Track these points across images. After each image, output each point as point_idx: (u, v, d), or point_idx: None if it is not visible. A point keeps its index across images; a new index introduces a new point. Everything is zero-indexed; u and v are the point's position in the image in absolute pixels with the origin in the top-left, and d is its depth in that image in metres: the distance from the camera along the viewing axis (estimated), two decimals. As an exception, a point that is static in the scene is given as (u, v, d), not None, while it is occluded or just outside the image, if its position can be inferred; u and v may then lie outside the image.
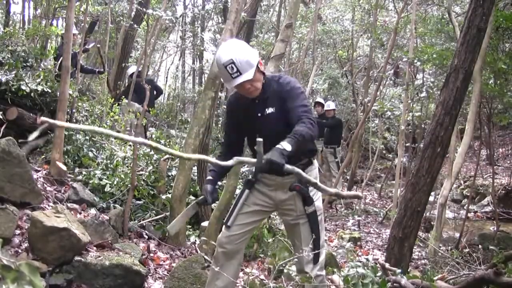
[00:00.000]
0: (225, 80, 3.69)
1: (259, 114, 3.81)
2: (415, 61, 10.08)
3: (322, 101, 13.49)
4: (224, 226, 4.14)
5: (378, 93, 13.26)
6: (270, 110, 3.80)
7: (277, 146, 3.25)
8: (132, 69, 10.63)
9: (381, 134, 14.88)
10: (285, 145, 3.25)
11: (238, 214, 4.05)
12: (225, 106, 13.87)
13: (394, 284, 3.13)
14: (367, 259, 3.78)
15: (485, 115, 9.99)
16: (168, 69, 22.58)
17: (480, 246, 7.59)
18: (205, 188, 3.96)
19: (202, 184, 7.11)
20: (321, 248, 4.02)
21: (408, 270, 4.21)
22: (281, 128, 3.80)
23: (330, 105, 12.99)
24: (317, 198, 4.08)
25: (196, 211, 6.93)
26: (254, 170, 4.17)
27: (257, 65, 3.62)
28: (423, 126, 13.02)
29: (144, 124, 9.37)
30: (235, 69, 3.52)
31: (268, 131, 3.80)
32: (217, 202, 6.49)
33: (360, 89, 17.66)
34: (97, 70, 10.64)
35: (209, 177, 4.04)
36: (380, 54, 16.86)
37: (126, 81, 11.28)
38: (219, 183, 7.56)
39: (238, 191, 5.27)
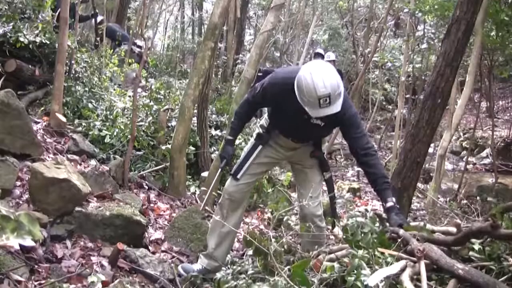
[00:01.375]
0: (309, 106, 3.53)
1: (306, 117, 3.71)
2: (417, 12, 9.95)
3: (322, 52, 13.37)
4: (232, 177, 4.18)
5: (379, 44, 13.14)
6: (318, 121, 3.76)
7: (392, 206, 3.52)
8: (100, 17, 10.69)
9: (381, 86, 14.81)
10: (394, 201, 3.53)
11: (249, 166, 4.10)
12: (224, 57, 13.82)
13: (392, 234, 3.15)
14: (366, 210, 3.80)
15: (486, 67, 9.93)
16: (168, 20, 22.33)
17: (478, 198, 7.63)
18: (227, 151, 4.07)
19: (202, 134, 7.11)
20: (320, 198, 4.09)
21: (407, 221, 4.23)
22: (319, 135, 4.05)
23: (330, 56, 12.88)
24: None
25: (196, 161, 6.98)
26: (267, 127, 4.19)
27: None
28: (423, 77, 12.94)
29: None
30: (327, 101, 3.42)
31: (304, 131, 3.95)
32: (217, 152, 6.51)
33: (360, 40, 17.50)
34: (91, 14, 10.54)
35: (229, 137, 4.10)
36: (381, 5, 16.65)
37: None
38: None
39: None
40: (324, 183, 4.24)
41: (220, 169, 4.32)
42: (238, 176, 4.10)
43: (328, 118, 3.63)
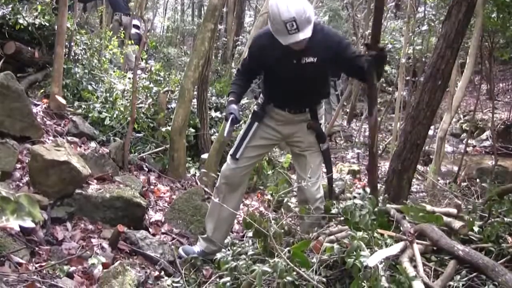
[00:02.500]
0: (279, 34, 3.57)
1: (295, 61, 3.74)
2: (417, -7, 9.90)
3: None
4: (229, 158, 4.16)
5: (379, 25, 13.06)
6: (310, 59, 3.74)
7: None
8: None
9: (381, 68, 14.74)
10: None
11: (245, 148, 4.08)
12: (224, 39, 13.78)
13: (385, 215, 3.17)
14: (365, 191, 3.80)
15: (486, 49, 9.88)
16: (167, 2, 22.24)
17: (478, 180, 7.63)
18: (230, 108, 3.93)
19: (202, 116, 7.11)
20: (321, 180, 4.09)
21: (406, 203, 4.24)
22: (317, 78, 3.86)
23: (330, 38, 12.83)
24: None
25: (196, 143, 6.97)
26: (262, 103, 4.17)
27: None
28: (423, 59, 12.88)
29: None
30: (294, 26, 3.42)
31: (300, 79, 3.84)
32: (216, 134, 6.51)
33: (361, 22, 17.39)
34: None
35: (231, 98, 4.02)
36: (382, -14, 16.53)
37: None
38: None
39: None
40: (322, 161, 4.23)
41: (227, 129, 3.96)
42: (237, 156, 4.08)
43: (320, 49, 3.69)
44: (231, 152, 4.16)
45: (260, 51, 3.95)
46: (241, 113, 4.32)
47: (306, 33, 3.47)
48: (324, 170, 4.40)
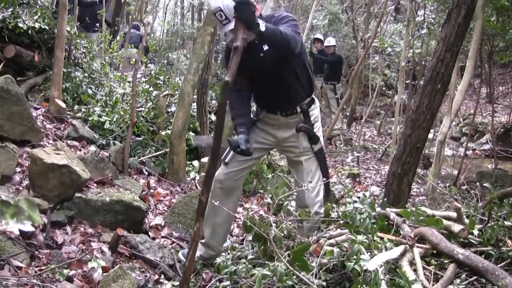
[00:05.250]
0: (218, 26, 3.67)
1: (261, 54, 3.76)
2: (417, -4, 9.92)
3: (321, 37, 13.35)
4: (222, 163, 4.15)
5: (379, 29, 13.08)
6: (266, 47, 3.74)
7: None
8: None
9: (381, 71, 14.75)
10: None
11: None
12: (224, 42, 13.79)
13: (385, 218, 3.18)
14: (364, 195, 3.80)
15: (486, 52, 9.90)
16: (167, 5, 22.30)
17: (478, 184, 7.63)
18: (240, 139, 3.84)
19: (201, 120, 7.11)
20: (320, 184, 4.06)
21: (406, 206, 4.24)
22: (280, 67, 3.80)
23: (330, 41, 12.86)
24: (320, 135, 4.13)
25: (196, 146, 6.96)
26: (256, 112, 4.16)
27: None
28: (423, 63, 12.90)
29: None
30: (223, 17, 3.48)
31: (267, 72, 3.81)
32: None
33: (360, 25, 17.41)
34: (97, 0, 10.53)
35: (241, 130, 3.96)
36: (382, -10, 16.61)
37: None
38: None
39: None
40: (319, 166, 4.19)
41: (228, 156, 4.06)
42: (227, 161, 4.06)
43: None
44: (223, 156, 4.15)
45: (229, 54, 3.97)
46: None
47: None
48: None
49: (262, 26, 3.34)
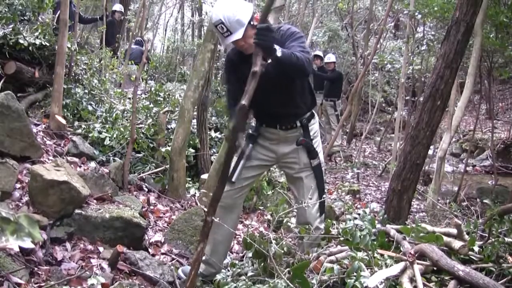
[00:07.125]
0: (220, 38, 3.69)
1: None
2: (416, 14, 9.94)
3: (320, 54, 13.39)
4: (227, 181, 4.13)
5: (378, 46, 13.14)
6: (269, 60, 3.73)
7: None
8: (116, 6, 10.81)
9: (381, 87, 14.80)
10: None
11: (241, 169, 4.05)
12: (224, 59, 13.83)
13: (385, 235, 3.17)
14: (364, 211, 3.80)
15: (485, 69, 9.94)
16: (167, 22, 22.40)
17: (478, 200, 7.62)
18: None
19: (201, 137, 7.11)
20: (321, 200, 4.05)
21: (406, 223, 4.23)
22: (284, 80, 3.80)
23: (330, 58, 12.90)
24: (320, 151, 4.12)
25: (196, 163, 6.96)
26: (255, 126, 4.16)
27: (250, 22, 3.56)
28: (423, 79, 12.95)
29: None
30: (225, 29, 3.52)
31: (270, 84, 3.74)
32: (216, 154, 6.51)
33: (360, 42, 17.50)
34: (98, 17, 10.59)
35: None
36: (381, 7, 16.68)
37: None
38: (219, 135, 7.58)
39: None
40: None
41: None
42: (234, 179, 4.04)
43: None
44: (229, 175, 4.12)
45: (230, 67, 4.04)
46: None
47: (237, 35, 3.54)
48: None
49: (279, 52, 3.33)
